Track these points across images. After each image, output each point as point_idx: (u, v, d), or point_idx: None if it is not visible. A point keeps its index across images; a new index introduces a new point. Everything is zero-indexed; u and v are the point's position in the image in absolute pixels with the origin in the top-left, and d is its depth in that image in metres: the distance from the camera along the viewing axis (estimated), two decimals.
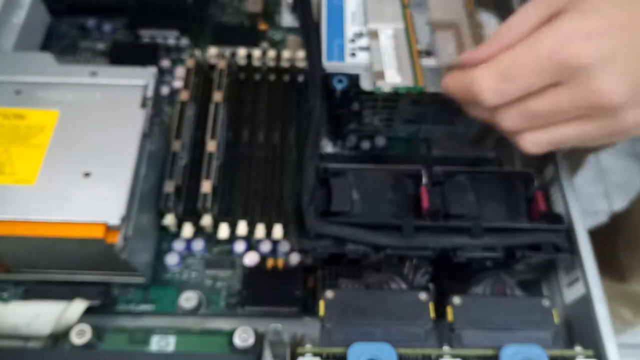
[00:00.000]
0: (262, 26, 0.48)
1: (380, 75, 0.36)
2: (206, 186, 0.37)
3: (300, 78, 0.43)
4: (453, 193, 0.35)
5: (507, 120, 0.31)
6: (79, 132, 0.33)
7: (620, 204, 0.75)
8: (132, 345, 0.33)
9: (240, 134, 0.41)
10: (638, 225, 0.69)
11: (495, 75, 0.29)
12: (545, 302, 0.32)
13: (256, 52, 0.43)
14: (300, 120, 0.42)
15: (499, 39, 0.30)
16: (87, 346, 0.32)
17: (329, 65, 0.37)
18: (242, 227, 0.37)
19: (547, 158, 0.38)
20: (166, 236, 0.38)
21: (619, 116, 0.28)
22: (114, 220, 0.30)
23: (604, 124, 0.29)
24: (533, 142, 0.31)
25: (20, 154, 0.32)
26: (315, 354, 0.29)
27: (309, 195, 0.33)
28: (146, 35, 0.47)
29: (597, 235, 0.61)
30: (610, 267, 0.72)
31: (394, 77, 0.36)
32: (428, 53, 0.38)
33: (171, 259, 0.37)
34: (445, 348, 0.30)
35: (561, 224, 0.34)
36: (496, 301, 0.33)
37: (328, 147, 0.43)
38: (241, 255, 0.38)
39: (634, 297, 0.78)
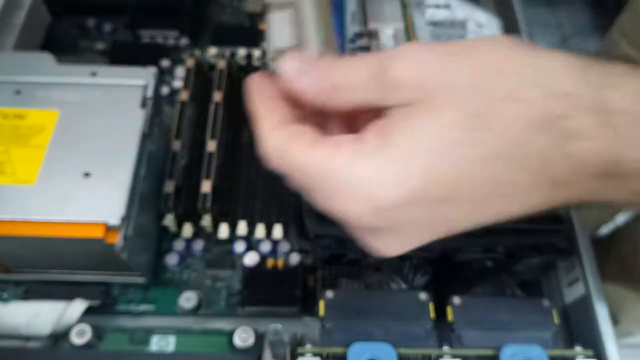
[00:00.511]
0: (262, 26, 0.48)
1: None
2: (206, 186, 0.37)
3: None
4: None
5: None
6: (79, 132, 0.33)
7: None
8: (132, 345, 0.33)
9: (240, 134, 0.41)
10: None
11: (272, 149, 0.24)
12: (545, 302, 0.32)
13: (256, 52, 0.43)
14: None
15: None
16: (87, 346, 0.32)
17: None
18: (242, 227, 0.37)
19: None
20: (166, 236, 0.38)
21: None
22: (114, 220, 0.30)
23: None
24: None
25: (20, 154, 0.32)
26: (315, 354, 0.29)
27: None
28: (146, 35, 0.47)
29: (616, 242, 0.60)
30: (630, 278, 0.71)
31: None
32: None
33: (171, 259, 0.37)
34: (445, 348, 0.30)
35: (561, 225, 0.34)
36: (496, 301, 0.33)
37: None
38: (241, 255, 0.38)
39: None
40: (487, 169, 0.21)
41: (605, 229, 0.77)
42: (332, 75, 0.23)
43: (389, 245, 0.24)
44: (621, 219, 0.76)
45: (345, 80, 0.23)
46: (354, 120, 0.26)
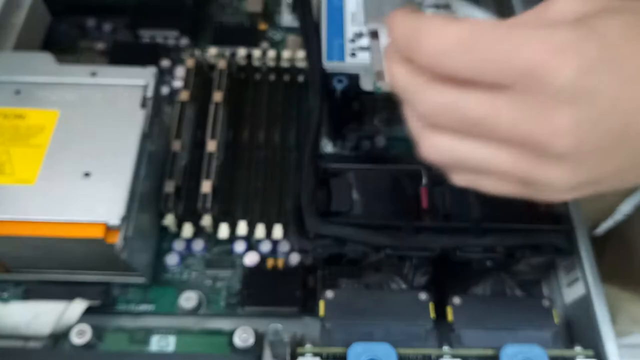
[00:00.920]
0: (262, 26, 0.48)
1: (380, 75, 0.36)
2: (206, 186, 0.37)
3: (300, 78, 0.43)
4: (453, 193, 0.35)
5: (424, 104, 0.23)
6: (79, 132, 0.33)
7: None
8: (132, 345, 0.33)
9: (240, 134, 0.41)
10: None
11: (453, 36, 0.22)
12: (545, 302, 0.32)
13: (256, 52, 0.43)
14: (300, 120, 0.42)
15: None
16: (87, 346, 0.32)
17: (329, 65, 0.37)
18: (242, 227, 0.37)
19: None
20: (166, 236, 0.38)
21: (544, 164, 0.22)
22: (114, 220, 0.30)
23: (525, 165, 0.22)
24: (435, 148, 0.24)
25: (20, 154, 0.32)
26: (315, 354, 0.29)
27: (309, 195, 0.33)
28: (146, 35, 0.47)
29: (612, 243, 0.60)
30: (632, 278, 0.71)
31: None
32: None
33: (171, 259, 0.37)
34: (445, 348, 0.30)
35: (561, 225, 0.34)
36: (496, 301, 0.33)
37: (328, 147, 0.42)
38: (241, 255, 0.38)
39: None
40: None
41: (601, 228, 0.77)
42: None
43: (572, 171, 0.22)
44: (617, 217, 0.76)
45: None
46: None
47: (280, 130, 0.41)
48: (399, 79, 0.24)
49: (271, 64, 0.43)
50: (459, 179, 0.25)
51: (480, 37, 0.21)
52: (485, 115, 0.22)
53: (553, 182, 0.22)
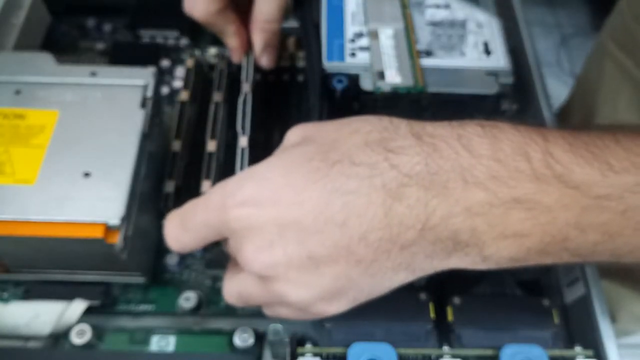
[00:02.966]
0: None
1: (380, 75, 0.36)
2: (206, 186, 0.37)
3: (300, 78, 0.43)
4: None
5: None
6: (79, 132, 0.33)
7: None
8: (132, 345, 0.33)
9: (237, 128, 0.40)
10: None
11: (175, 223, 0.28)
12: (545, 302, 0.32)
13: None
14: (300, 120, 0.41)
15: None
16: (87, 346, 0.32)
17: (329, 65, 0.37)
18: None
19: None
20: None
21: (269, 285, 0.26)
22: (114, 220, 0.30)
23: (265, 290, 0.26)
24: (227, 291, 0.29)
25: (20, 154, 0.32)
26: (315, 354, 0.29)
27: None
28: (146, 35, 0.47)
29: None
30: (632, 276, 0.71)
31: (394, 77, 0.36)
32: (428, 53, 0.38)
33: (171, 259, 0.37)
34: (445, 348, 0.30)
35: None
36: (496, 301, 0.33)
37: None
38: None
39: None
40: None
41: None
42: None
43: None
44: None
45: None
46: None
47: (280, 131, 0.41)
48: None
49: None
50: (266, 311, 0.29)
51: (188, 213, 0.28)
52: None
53: (285, 298, 0.25)
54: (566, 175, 0.22)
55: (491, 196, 0.23)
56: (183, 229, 0.28)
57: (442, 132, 0.24)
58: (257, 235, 0.25)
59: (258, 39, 0.38)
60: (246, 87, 0.39)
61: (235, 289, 0.28)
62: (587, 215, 0.22)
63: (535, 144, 0.23)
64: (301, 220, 0.24)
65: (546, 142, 0.23)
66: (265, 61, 0.40)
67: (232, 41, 0.40)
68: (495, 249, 0.23)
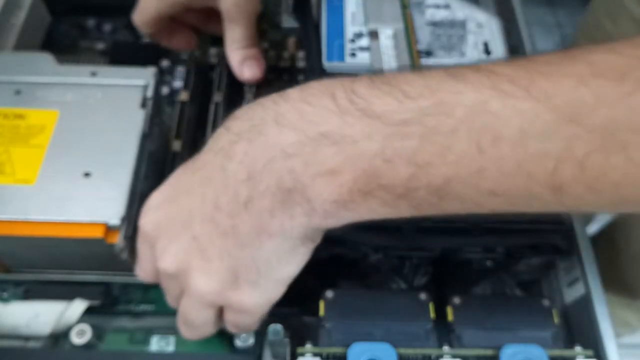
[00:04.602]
0: (262, 26, 0.48)
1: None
2: None
3: (300, 78, 0.43)
4: None
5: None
6: (79, 132, 0.33)
7: None
8: (132, 345, 0.33)
9: None
10: None
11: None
12: (545, 302, 0.32)
13: None
14: None
15: None
16: (87, 346, 0.32)
17: (329, 65, 0.37)
18: None
19: None
20: None
21: (187, 283, 0.27)
22: (114, 220, 0.30)
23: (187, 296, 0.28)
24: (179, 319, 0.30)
25: (20, 154, 0.32)
26: (315, 354, 0.29)
27: None
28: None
29: (599, 247, 0.61)
30: (617, 283, 0.71)
31: None
32: (428, 53, 0.38)
33: None
34: (445, 348, 0.30)
35: (561, 224, 0.34)
36: (496, 301, 0.33)
37: None
38: None
39: None
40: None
41: (590, 230, 0.77)
42: None
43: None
44: (603, 220, 0.77)
45: None
46: None
47: None
48: None
49: (271, 64, 0.43)
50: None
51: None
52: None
53: (199, 290, 0.26)
54: (367, 108, 0.23)
55: (301, 135, 0.24)
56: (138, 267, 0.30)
57: (273, 96, 0.26)
58: (158, 239, 0.27)
59: (233, 59, 0.39)
60: (249, 97, 0.40)
61: (180, 319, 0.30)
62: (391, 143, 0.23)
63: (341, 85, 0.24)
64: (178, 213, 0.26)
65: (352, 82, 0.24)
66: (247, 74, 0.39)
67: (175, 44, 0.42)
68: (316, 191, 0.24)
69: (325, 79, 0.26)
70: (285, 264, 0.27)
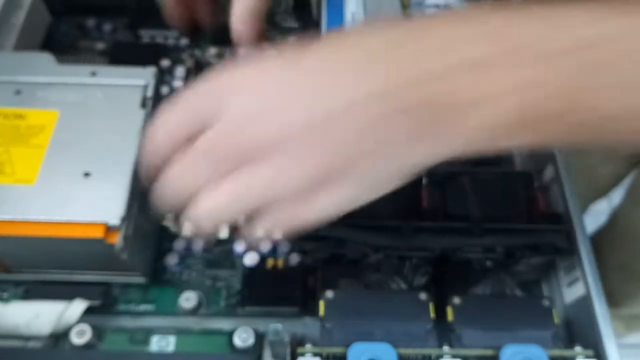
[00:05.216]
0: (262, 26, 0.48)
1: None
2: None
3: None
4: (453, 193, 0.35)
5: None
6: (79, 132, 0.33)
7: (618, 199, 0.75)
8: (132, 345, 0.33)
9: None
10: (627, 250, 0.69)
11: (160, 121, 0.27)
12: (545, 302, 0.32)
13: None
14: None
15: None
16: (87, 346, 0.32)
17: None
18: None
19: (547, 158, 0.38)
20: (166, 236, 0.38)
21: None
22: (114, 220, 0.30)
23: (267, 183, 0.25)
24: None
25: (20, 154, 0.32)
26: (315, 354, 0.29)
27: None
28: (146, 35, 0.47)
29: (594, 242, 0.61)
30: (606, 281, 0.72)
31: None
32: None
33: (171, 259, 0.37)
34: (445, 348, 0.30)
35: (561, 224, 0.34)
36: (496, 301, 0.33)
37: None
38: (241, 255, 0.38)
39: (627, 316, 0.78)
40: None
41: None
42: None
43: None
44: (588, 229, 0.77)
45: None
46: None
47: None
48: None
49: None
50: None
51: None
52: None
53: (286, 177, 0.24)
54: (520, 35, 0.23)
55: (457, 57, 0.23)
56: (162, 124, 0.26)
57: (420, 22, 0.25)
58: (254, 116, 0.24)
59: (236, 11, 0.37)
60: None
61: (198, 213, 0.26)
62: (552, 71, 0.22)
63: (495, 13, 0.23)
64: (298, 82, 0.24)
65: (505, 12, 0.23)
66: (241, 27, 0.37)
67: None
68: (474, 116, 0.23)
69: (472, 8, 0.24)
70: (375, 190, 0.26)
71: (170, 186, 0.26)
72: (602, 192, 0.74)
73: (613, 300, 0.73)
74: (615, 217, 0.72)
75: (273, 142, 0.24)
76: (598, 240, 0.72)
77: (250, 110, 0.24)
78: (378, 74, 0.24)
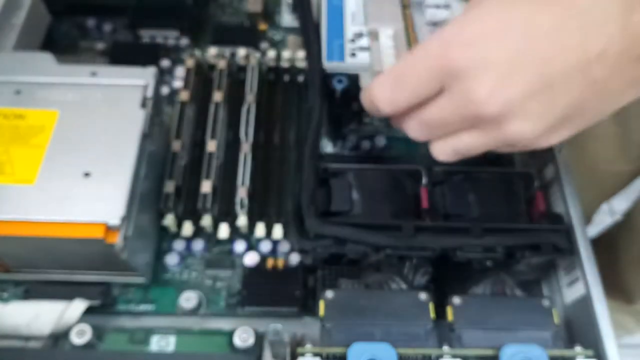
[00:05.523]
0: (262, 26, 0.48)
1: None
2: (206, 186, 0.37)
3: (300, 78, 0.43)
4: (453, 193, 0.35)
5: (411, 130, 0.30)
6: (79, 132, 0.33)
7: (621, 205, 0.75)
8: (132, 345, 0.33)
9: (240, 134, 0.41)
10: None
11: (388, 83, 0.29)
12: (545, 302, 0.32)
13: (256, 53, 0.43)
14: (300, 120, 0.42)
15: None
16: (87, 346, 0.32)
17: (329, 65, 0.37)
18: (242, 220, 0.37)
19: (547, 158, 0.38)
20: (166, 236, 0.38)
21: (501, 127, 0.27)
22: (114, 220, 0.30)
23: (492, 134, 0.27)
24: (440, 151, 0.30)
25: (20, 154, 0.32)
26: (315, 354, 0.29)
27: (308, 195, 0.33)
28: (146, 35, 0.47)
29: (598, 250, 0.61)
30: (615, 288, 0.71)
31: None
32: None
33: (171, 259, 0.37)
34: (445, 348, 0.30)
35: (561, 224, 0.34)
36: (496, 301, 0.33)
37: (328, 147, 0.43)
38: (241, 255, 0.38)
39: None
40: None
41: (590, 232, 0.77)
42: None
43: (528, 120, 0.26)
44: (603, 223, 0.77)
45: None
46: None
47: (280, 130, 0.41)
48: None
49: (271, 64, 0.43)
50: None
51: (402, 69, 0.28)
52: (441, 117, 0.28)
53: (518, 136, 0.27)
54: None
55: None
56: (398, 86, 0.28)
57: None
58: (488, 74, 0.25)
59: None
60: (250, 98, 0.40)
61: (450, 146, 0.29)
62: None
63: None
64: (534, 47, 0.24)
65: None
66: None
67: None
68: None
69: None
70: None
71: (420, 127, 0.30)
72: (605, 193, 0.74)
73: (626, 296, 0.73)
74: (630, 213, 0.71)
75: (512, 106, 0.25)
76: (612, 236, 0.72)
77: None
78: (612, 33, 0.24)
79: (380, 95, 0.29)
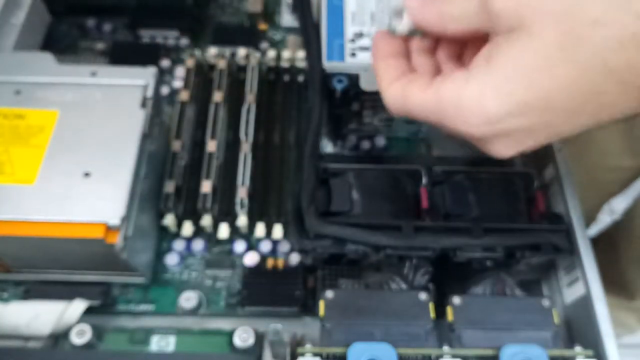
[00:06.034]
0: (262, 26, 0.48)
1: (397, 13, 0.32)
2: (206, 186, 0.37)
3: (300, 78, 0.43)
4: (453, 193, 0.35)
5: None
6: (79, 132, 0.33)
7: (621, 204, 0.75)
8: (132, 345, 0.33)
9: (240, 134, 0.41)
10: None
11: None
12: (545, 302, 0.32)
13: (256, 53, 0.43)
14: (300, 120, 0.42)
15: None
16: (87, 346, 0.32)
17: (329, 65, 0.37)
18: (242, 220, 0.37)
19: (547, 158, 0.38)
20: (166, 236, 0.38)
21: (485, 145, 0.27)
22: (114, 220, 0.30)
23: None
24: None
25: (20, 154, 0.32)
26: (315, 354, 0.29)
27: (309, 195, 0.33)
28: (146, 35, 0.47)
29: (599, 248, 0.61)
30: (616, 284, 0.71)
31: (407, 23, 0.32)
32: None
33: (171, 259, 0.37)
34: (445, 348, 0.30)
35: (561, 224, 0.34)
36: (496, 301, 0.33)
37: (328, 147, 0.43)
38: (241, 255, 0.38)
39: None
40: (579, 83, 0.24)
41: (592, 230, 0.77)
42: (443, 7, 0.27)
43: (506, 148, 0.27)
44: (604, 222, 0.77)
45: (453, 11, 0.27)
46: (462, 57, 0.30)
47: (280, 130, 0.41)
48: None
49: (271, 64, 0.43)
50: None
51: None
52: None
53: (497, 154, 0.27)
54: None
55: None
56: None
57: None
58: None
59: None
60: (250, 98, 0.40)
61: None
62: None
63: None
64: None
65: None
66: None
67: None
68: None
69: None
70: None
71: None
72: (608, 191, 0.74)
73: (628, 293, 0.73)
74: (632, 210, 0.71)
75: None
76: (612, 236, 0.71)
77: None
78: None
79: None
